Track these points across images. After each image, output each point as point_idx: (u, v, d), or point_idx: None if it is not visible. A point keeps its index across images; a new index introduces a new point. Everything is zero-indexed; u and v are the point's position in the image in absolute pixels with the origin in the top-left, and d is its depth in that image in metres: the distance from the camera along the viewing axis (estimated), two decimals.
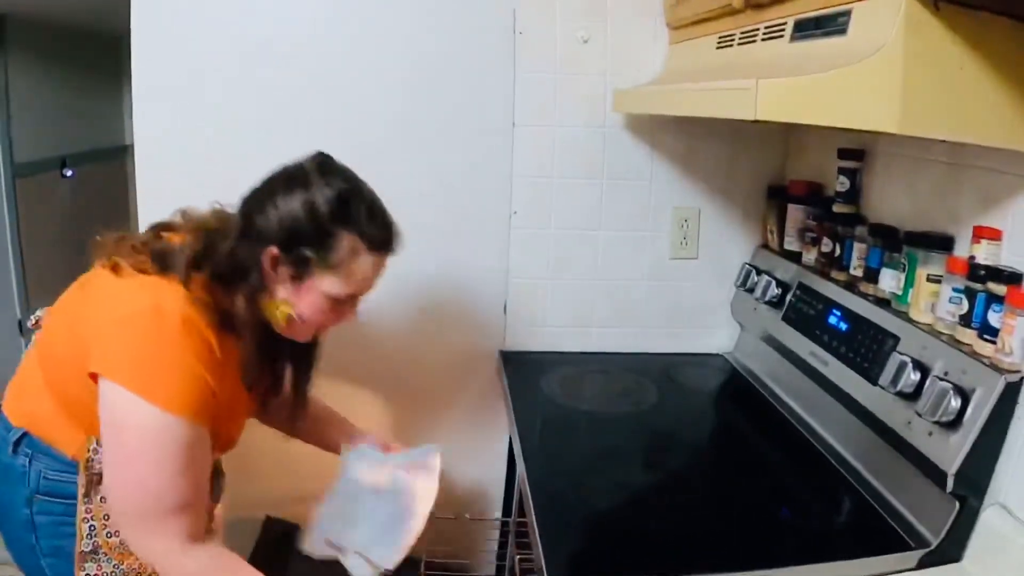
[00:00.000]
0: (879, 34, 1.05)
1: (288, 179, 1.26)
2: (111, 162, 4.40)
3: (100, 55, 4.17)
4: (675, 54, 1.85)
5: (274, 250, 1.22)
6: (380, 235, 1.28)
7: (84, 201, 4.22)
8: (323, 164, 1.28)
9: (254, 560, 1.89)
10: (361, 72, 1.87)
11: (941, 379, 1.26)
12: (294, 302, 1.27)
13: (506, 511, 2.13)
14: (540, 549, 1.23)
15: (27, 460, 1.28)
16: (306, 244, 1.23)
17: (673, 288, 2.08)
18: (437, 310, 2.01)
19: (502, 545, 2.16)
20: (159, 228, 1.35)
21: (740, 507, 1.41)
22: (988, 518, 1.24)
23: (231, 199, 1.60)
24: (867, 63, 1.03)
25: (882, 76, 1.03)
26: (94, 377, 1.17)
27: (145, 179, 1.87)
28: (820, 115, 1.05)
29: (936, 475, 1.26)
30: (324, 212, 1.22)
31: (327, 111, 1.87)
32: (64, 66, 3.99)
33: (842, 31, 1.14)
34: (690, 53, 1.75)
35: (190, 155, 1.86)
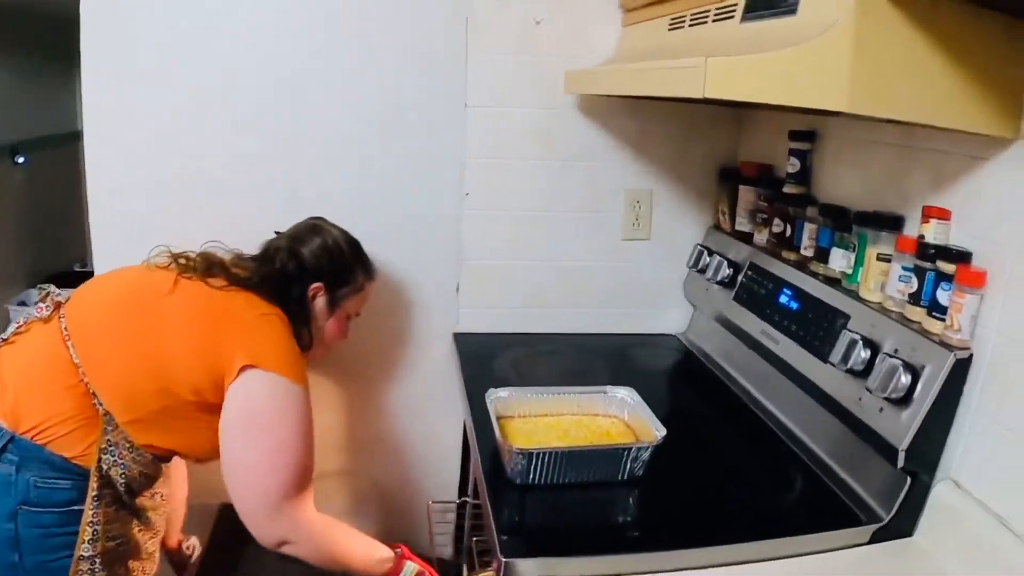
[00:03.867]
0: (829, 13, 1.05)
1: (309, 230, 1.64)
2: (64, 148, 4.26)
3: (50, 38, 3.98)
4: (628, 36, 1.85)
5: (319, 284, 1.58)
6: (373, 267, 1.71)
7: (37, 188, 4.11)
8: (325, 220, 1.69)
9: (210, 547, 1.89)
10: (313, 55, 1.83)
11: (891, 356, 1.28)
12: (327, 324, 1.62)
13: (462, 492, 2.13)
14: (494, 533, 1.22)
15: (14, 468, 1.25)
16: (340, 276, 1.62)
17: (626, 269, 2.09)
18: (390, 292, 1.98)
19: (459, 527, 2.16)
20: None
21: (694, 486, 1.42)
22: (939, 493, 1.27)
23: (184, 184, 1.73)
24: (817, 42, 1.03)
25: (832, 55, 1.03)
26: (240, 370, 1.34)
27: (95, 166, 1.81)
28: (769, 93, 1.05)
29: (887, 451, 1.28)
30: (347, 252, 1.64)
31: (278, 94, 1.83)
32: (13, 50, 3.85)
33: (792, 11, 1.14)
34: (642, 35, 1.75)
35: (141, 141, 1.80)
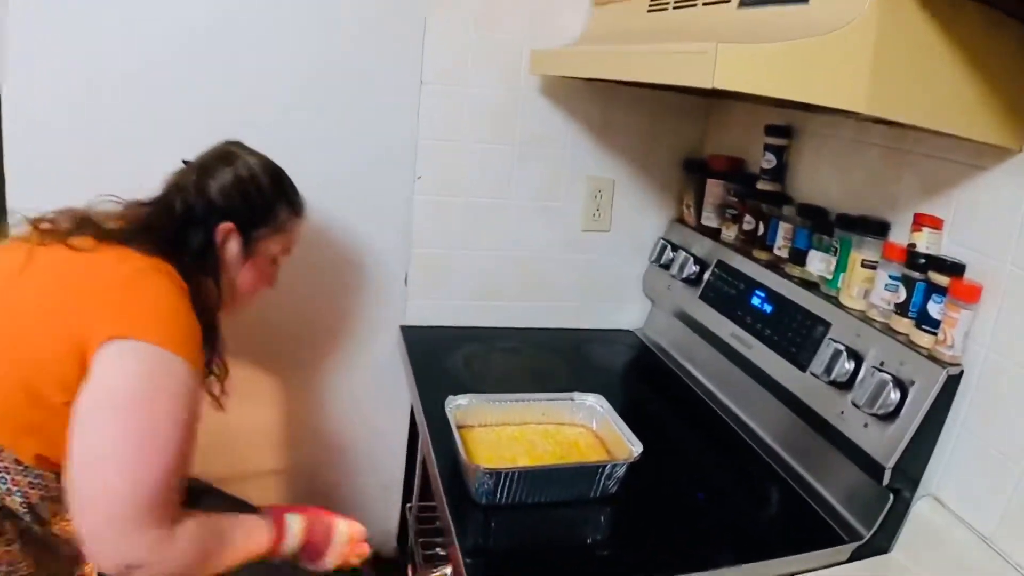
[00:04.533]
0: (845, 6, 0.97)
1: (219, 158, 1.32)
2: None
3: None
4: (600, 16, 1.73)
5: (228, 224, 1.27)
6: (301, 201, 1.40)
7: None
8: (241, 145, 1.37)
9: None
10: (258, 24, 1.65)
11: (879, 370, 1.22)
12: (242, 271, 1.32)
13: (407, 492, 2.02)
14: (460, 557, 1.12)
15: None
16: (256, 214, 1.31)
17: (584, 262, 1.99)
18: (332, 279, 1.85)
19: (402, 527, 2.06)
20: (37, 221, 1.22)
21: (669, 503, 1.33)
22: (920, 510, 1.22)
23: (110, 157, 1.52)
24: (838, 35, 0.94)
25: (853, 51, 0.95)
26: (102, 343, 1.04)
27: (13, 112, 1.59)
28: (784, 87, 0.96)
29: (871, 467, 1.23)
30: (265, 184, 1.32)
31: (220, 67, 1.64)
32: None
33: None
34: (616, 16, 1.64)
35: (63, 115, 1.60)
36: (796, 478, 1.39)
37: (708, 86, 0.95)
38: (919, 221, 1.26)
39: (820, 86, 0.95)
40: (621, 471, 1.25)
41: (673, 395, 1.75)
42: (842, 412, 1.29)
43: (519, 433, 1.38)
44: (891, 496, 1.23)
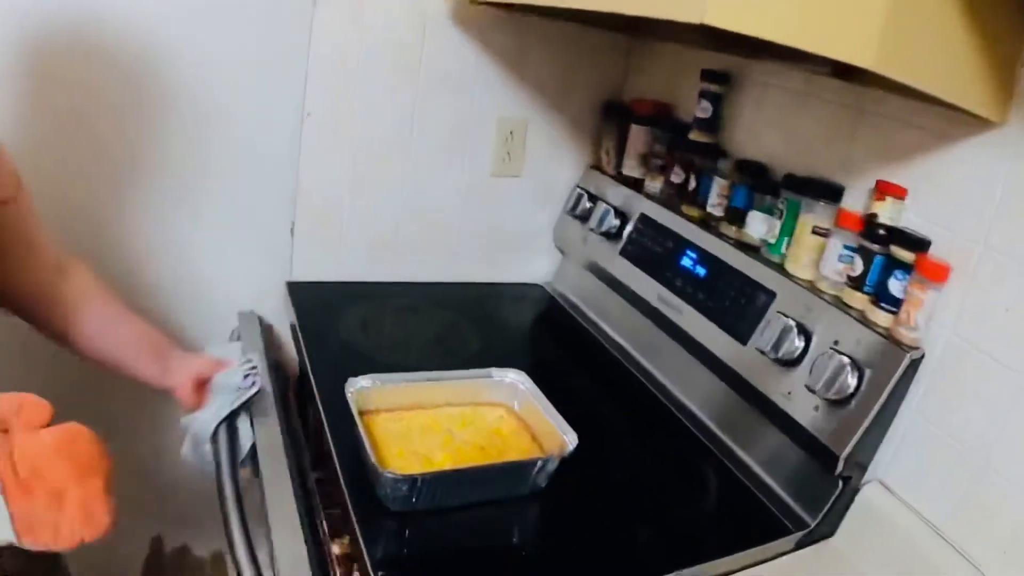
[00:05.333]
0: None
1: None
2: None
3: None
4: None
5: None
6: None
7: None
8: None
9: None
10: None
11: (836, 351, 1.12)
12: None
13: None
14: (369, 570, 0.95)
15: None
16: None
17: (491, 210, 1.80)
18: (207, 229, 1.59)
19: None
20: None
21: (602, 494, 1.19)
22: (867, 495, 1.15)
23: None
24: None
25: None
26: None
27: None
28: (783, 32, 0.79)
29: (820, 453, 1.14)
30: None
31: None
32: None
33: None
34: None
35: None
36: (736, 461, 1.28)
37: (696, 21, 0.77)
38: (882, 189, 1.15)
39: (827, 36, 0.79)
40: (553, 466, 1.10)
41: (592, 360, 1.60)
42: (789, 392, 1.19)
43: (432, 420, 1.20)
44: (840, 483, 1.14)
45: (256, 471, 1.16)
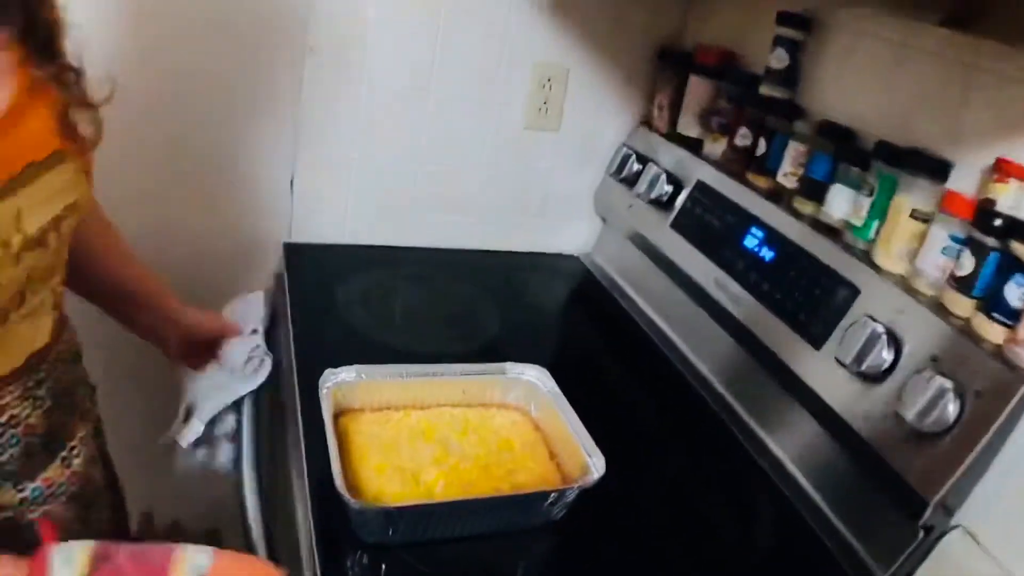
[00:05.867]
0: None
1: None
2: None
3: None
4: None
5: None
6: None
7: None
8: None
9: None
10: None
11: (939, 373, 0.88)
12: None
13: None
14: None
15: None
16: None
17: (523, 168, 1.59)
18: (194, 182, 1.40)
19: None
20: None
21: (620, 526, 0.99)
22: (948, 545, 0.93)
23: None
24: None
25: None
26: None
27: None
28: None
29: (904, 495, 0.92)
30: None
31: None
32: None
33: None
34: None
35: None
36: (795, 490, 1.07)
37: None
38: (1004, 169, 0.91)
39: None
40: (571, 497, 0.89)
41: (630, 353, 1.39)
42: (867, 415, 0.96)
43: (427, 424, 0.99)
44: (921, 533, 0.92)
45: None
